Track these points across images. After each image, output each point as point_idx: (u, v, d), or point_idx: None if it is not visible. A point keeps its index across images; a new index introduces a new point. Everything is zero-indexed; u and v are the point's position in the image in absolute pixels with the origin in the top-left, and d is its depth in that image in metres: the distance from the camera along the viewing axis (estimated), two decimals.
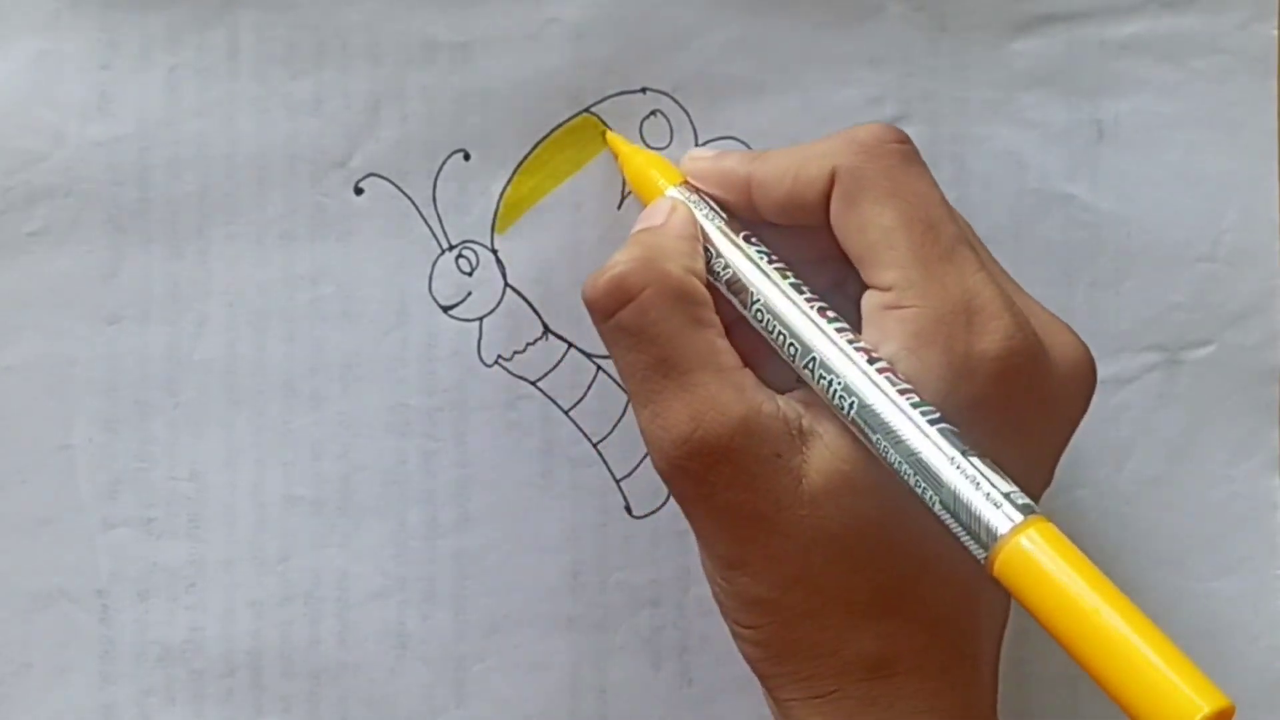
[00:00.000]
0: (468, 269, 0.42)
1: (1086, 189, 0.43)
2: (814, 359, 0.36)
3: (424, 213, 0.42)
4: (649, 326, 0.36)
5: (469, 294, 0.42)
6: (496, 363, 0.42)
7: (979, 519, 0.32)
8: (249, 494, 0.42)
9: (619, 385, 0.42)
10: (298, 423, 0.42)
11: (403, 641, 0.42)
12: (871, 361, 0.35)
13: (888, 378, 0.34)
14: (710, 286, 0.37)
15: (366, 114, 0.42)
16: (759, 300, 0.37)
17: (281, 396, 0.42)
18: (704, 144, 0.43)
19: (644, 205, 0.40)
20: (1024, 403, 0.36)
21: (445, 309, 0.42)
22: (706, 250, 0.38)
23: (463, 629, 0.42)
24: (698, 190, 0.40)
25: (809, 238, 0.38)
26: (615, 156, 0.42)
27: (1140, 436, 0.43)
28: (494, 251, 0.42)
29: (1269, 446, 0.43)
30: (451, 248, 0.42)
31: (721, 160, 0.40)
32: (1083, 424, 0.43)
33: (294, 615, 0.42)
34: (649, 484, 0.42)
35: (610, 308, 0.36)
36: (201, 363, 0.42)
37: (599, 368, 0.42)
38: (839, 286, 0.38)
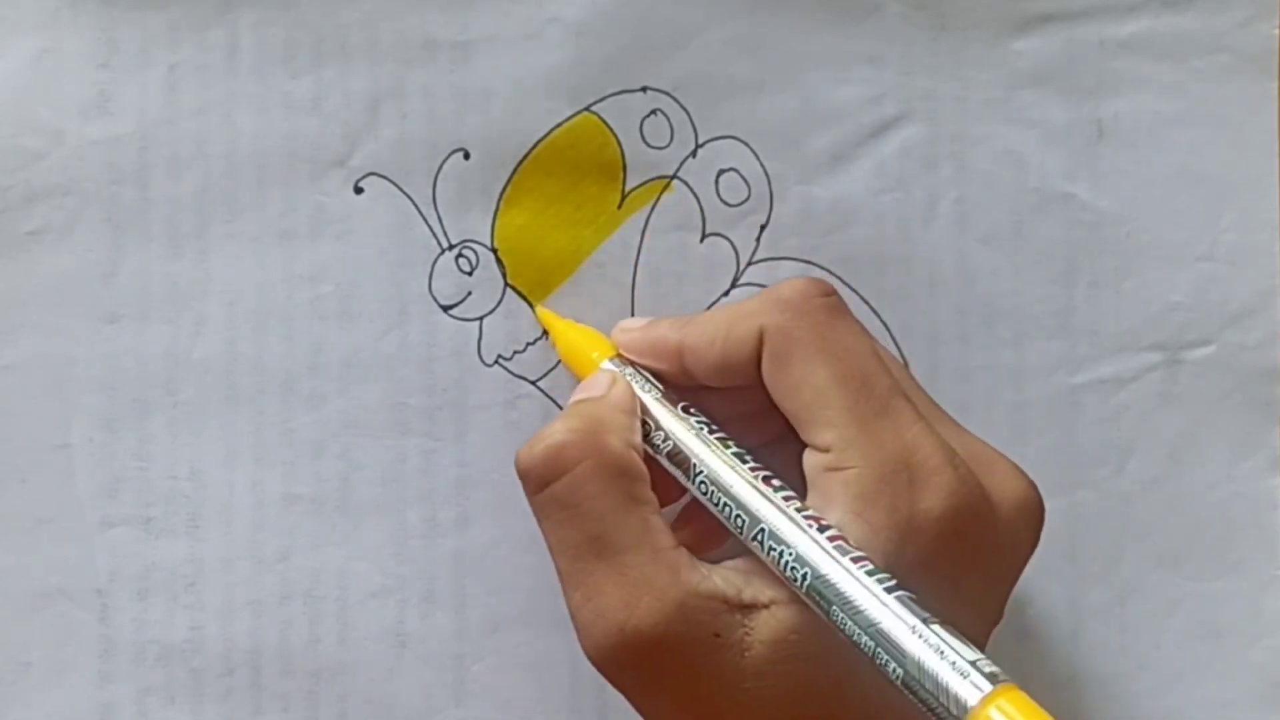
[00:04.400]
0: (468, 268, 0.42)
1: (1086, 188, 0.43)
2: (763, 530, 0.35)
3: (424, 212, 0.42)
4: (584, 501, 0.35)
5: (469, 293, 0.42)
6: (496, 362, 0.42)
7: (946, 690, 0.32)
8: (248, 493, 0.42)
9: None
10: (297, 422, 0.42)
11: (402, 641, 0.42)
12: (822, 530, 0.34)
13: (838, 546, 0.34)
14: (648, 460, 0.37)
15: (366, 113, 0.42)
16: (702, 472, 0.37)
17: (281, 396, 0.42)
18: (704, 144, 0.43)
19: (577, 379, 0.40)
20: (970, 557, 0.35)
21: (445, 308, 0.42)
22: (645, 423, 0.38)
23: (462, 628, 0.42)
24: (631, 362, 0.40)
25: (744, 395, 0.38)
26: (545, 331, 0.42)
27: (1140, 436, 0.43)
28: (494, 251, 0.42)
29: (1269, 446, 0.43)
30: (451, 247, 0.42)
31: (652, 330, 0.39)
32: (1084, 424, 0.43)
33: (293, 614, 0.42)
34: None
35: (545, 478, 0.36)
36: (201, 362, 0.42)
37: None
38: (778, 441, 0.38)
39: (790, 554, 0.34)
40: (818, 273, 0.43)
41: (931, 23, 0.43)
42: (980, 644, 0.36)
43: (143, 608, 0.42)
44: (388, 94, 0.42)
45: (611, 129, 0.42)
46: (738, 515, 0.36)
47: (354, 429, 0.42)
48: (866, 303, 0.43)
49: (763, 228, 0.43)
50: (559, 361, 0.42)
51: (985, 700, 0.31)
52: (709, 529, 0.38)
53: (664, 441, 0.38)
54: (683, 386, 0.39)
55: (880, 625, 0.33)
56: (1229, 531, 0.43)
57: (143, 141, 0.42)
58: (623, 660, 0.35)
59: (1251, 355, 0.43)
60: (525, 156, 0.42)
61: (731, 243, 0.43)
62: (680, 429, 0.37)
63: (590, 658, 0.36)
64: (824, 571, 0.34)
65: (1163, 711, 0.43)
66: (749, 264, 0.43)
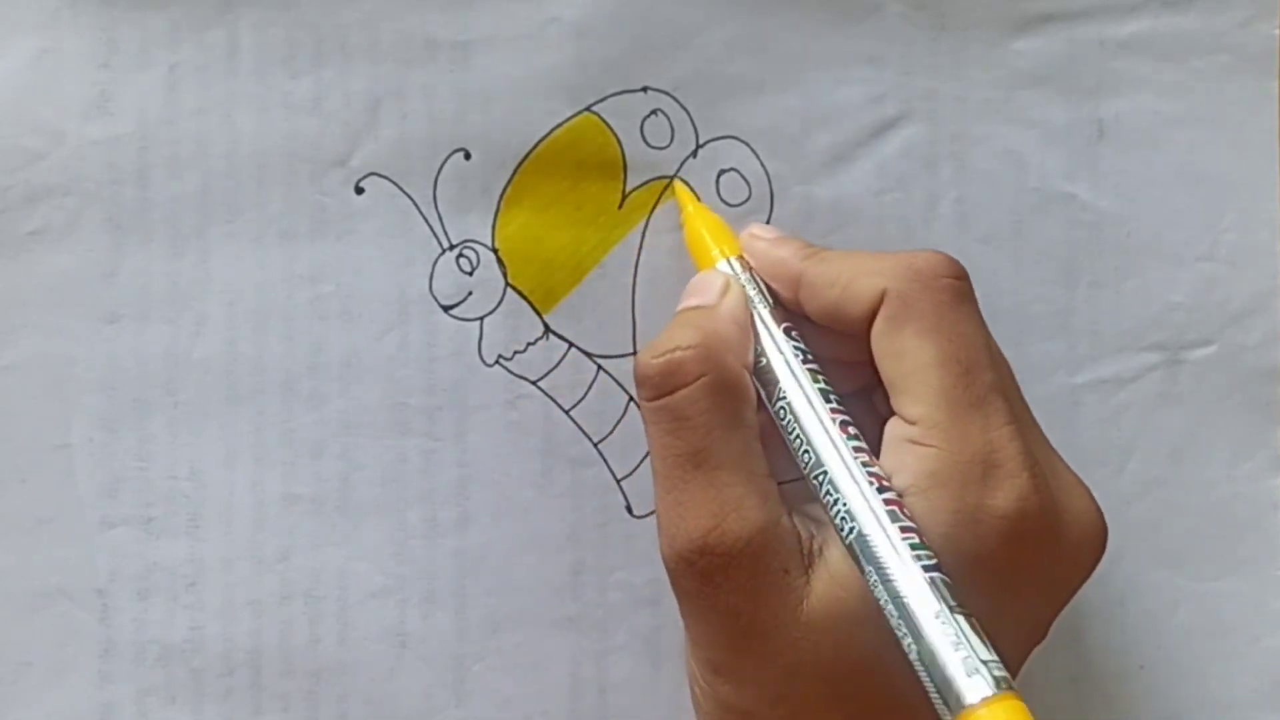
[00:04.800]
0: (468, 268, 0.42)
1: (1087, 188, 0.43)
2: (824, 474, 0.35)
3: (424, 212, 0.42)
4: (695, 415, 0.36)
5: (469, 293, 0.42)
6: (497, 362, 0.42)
7: (950, 682, 0.32)
8: (248, 493, 0.42)
9: (620, 385, 0.42)
10: (297, 422, 0.42)
11: (402, 641, 0.42)
12: (881, 490, 0.34)
13: (892, 511, 0.34)
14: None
15: (367, 113, 0.42)
16: (784, 399, 0.37)
17: (281, 396, 0.42)
18: (704, 144, 0.43)
19: (696, 267, 0.40)
20: (1028, 566, 0.35)
21: (446, 308, 0.42)
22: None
23: (463, 628, 0.42)
24: (751, 268, 0.39)
25: (843, 340, 0.38)
26: (679, 209, 0.42)
27: (1141, 437, 0.43)
28: (494, 251, 0.42)
29: (1270, 446, 0.43)
30: (452, 247, 0.42)
31: (777, 248, 0.39)
32: (1084, 424, 0.43)
33: (293, 614, 0.42)
34: (649, 484, 0.42)
35: (662, 389, 0.36)
36: (201, 362, 0.42)
37: (599, 367, 0.42)
38: (865, 393, 0.38)
39: (844, 505, 0.35)
40: None
41: (932, 23, 0.43)
42: (1017, 657, 0.36)
43: (143, 608, 0.42)
44: (388, 94, 0.42)
45: (612, 129, 0.42)
46: (805, 451, 0.36)
47: (354, 429, 0.42)
48: None
49: None
50: (560, 361, 0.42)
51: (985, 702, 0.31)
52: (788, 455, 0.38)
53: (759, 356, 0.38)
54: (788, 306, 0.39)
55: (906, 599, 0.33)
56: (1230, 532, 0.43)
57: (143, 141, 0.42)
58: (695, 568, 0.35)
59: (1252, 355, 0.43)
60: (526, 157, 0.42)
61: None
62: (775, 350, 0.37)
63: (665, 558, 0.36)
64: (867, 531, 0.34)
65: (1163, 712, 0.43)
66: None
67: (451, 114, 0.42)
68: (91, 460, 0.42)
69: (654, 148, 0.43)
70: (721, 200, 0.43)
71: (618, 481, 0.42)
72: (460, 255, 0.42)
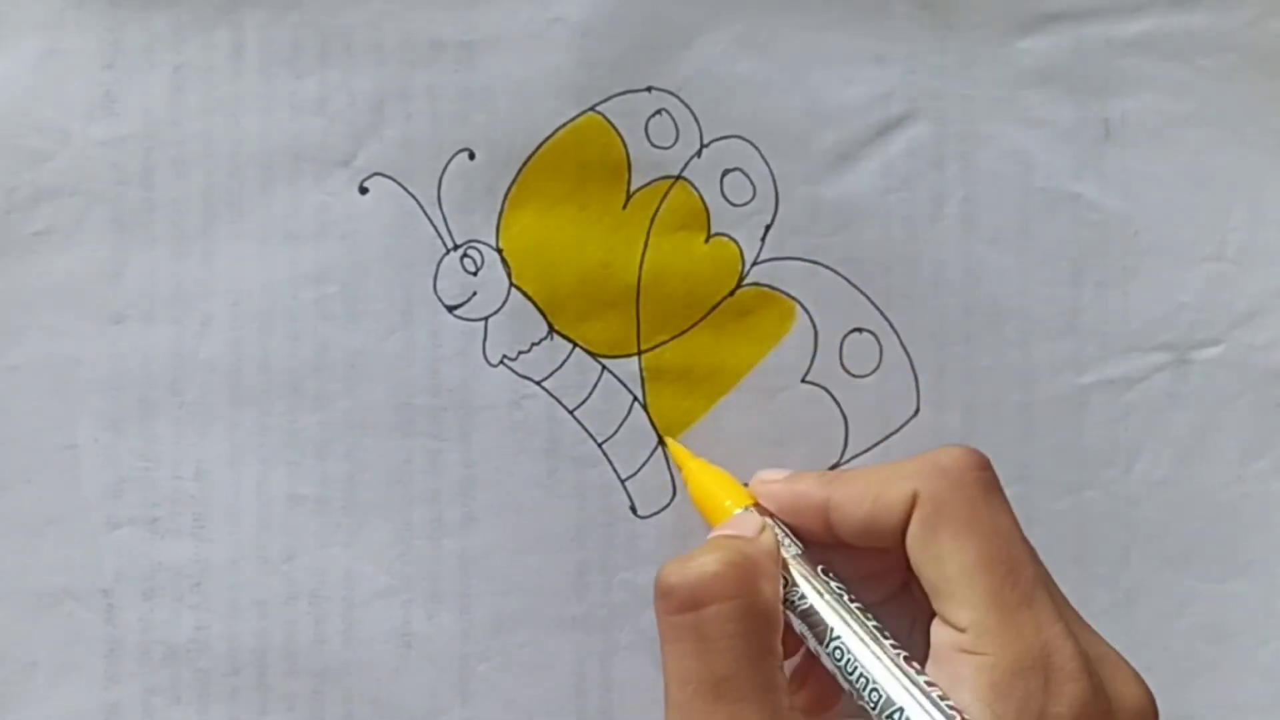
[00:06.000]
0: (472, 269, 0.42)
1: (1094, 188, 0.43)
2: (899, 711, 0.35)
3: (429, 212, 0.42)
4: (723, 640, 0.34)
5: (474, 294, 0.42)
6: (501, 362, 0.42)
7: None
8: (253, 493, 0.42)
9: (624, 385, 0.42)
10: (302, 422, 0.42)
11: (407, 641, 0.42)
12: None
13: None
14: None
15: (371, 113, 0.42)
16: (839, 639, 0.36)
17: (286, 396, 0.42)
18: (709, 144, 0.42)
19: (708, 524, 0.40)
20: None
21: (450, 309, 0.42)
22: (784, 579, 0.37)
23: (468, 628, 0.42)
24: (768, 513, 0.39)
25: (874, 555, 0.38)
26: (678, 467, 0.42)
27: (1149, 437, 0.43)
28: (499, 251, 0.42)
29: (1279, 447, 0.43)
30: (456, 247, 0.42)
31: (795, 483, 0.39)
32: (1091, 425, 0.43)
33: (299, 614, 0.42)
34: (654, 484, 0.42)
35: (689, 603, 0.35)
36: (206, 362, 0.42)
37: (604, 368, 0.42)
38: (893, 599, 0.38)
39: None
40: (824, 273, 0.43)
41: (938, 22, 0.43)
42: None
43: (148, 608, 0.42)
44: (393, 94, 0.42)
45: (616, 129, 0.42)
46: (873, 691, 0.35)
47: (359, 429, 0.42)
48: (873, 303, 0.43)
49: (768, 228, 0.43)
50: (564, 362, 0.42)
51: None
52: (826, 690, 0.38)
53: (800, 600, 0.37)
54: (812, 541, 0.39)
55: None
56: (1238, 532, 0.43)
57: (148, 142, 0.42)
58: None
59: (1260, 355, 0.43)
60: (530, 157, 0.42)
61: (737, 243, 0.43)
62: (821, 594, 0.37)
63: None
64: None
65: (1170, 713, 0.42)
66: (754, 264, 0.43)
67: (456, 114, 0.42)
68: (97, 460, 0.42)
69: (658, 147, 0.42)
70: (726, 200, 0.43)
71: (622, 482, 0.42)
72: (465, 255, 0.42)
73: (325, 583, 0.42)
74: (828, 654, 0.36)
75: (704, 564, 0.35)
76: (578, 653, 0.42)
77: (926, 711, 0.34)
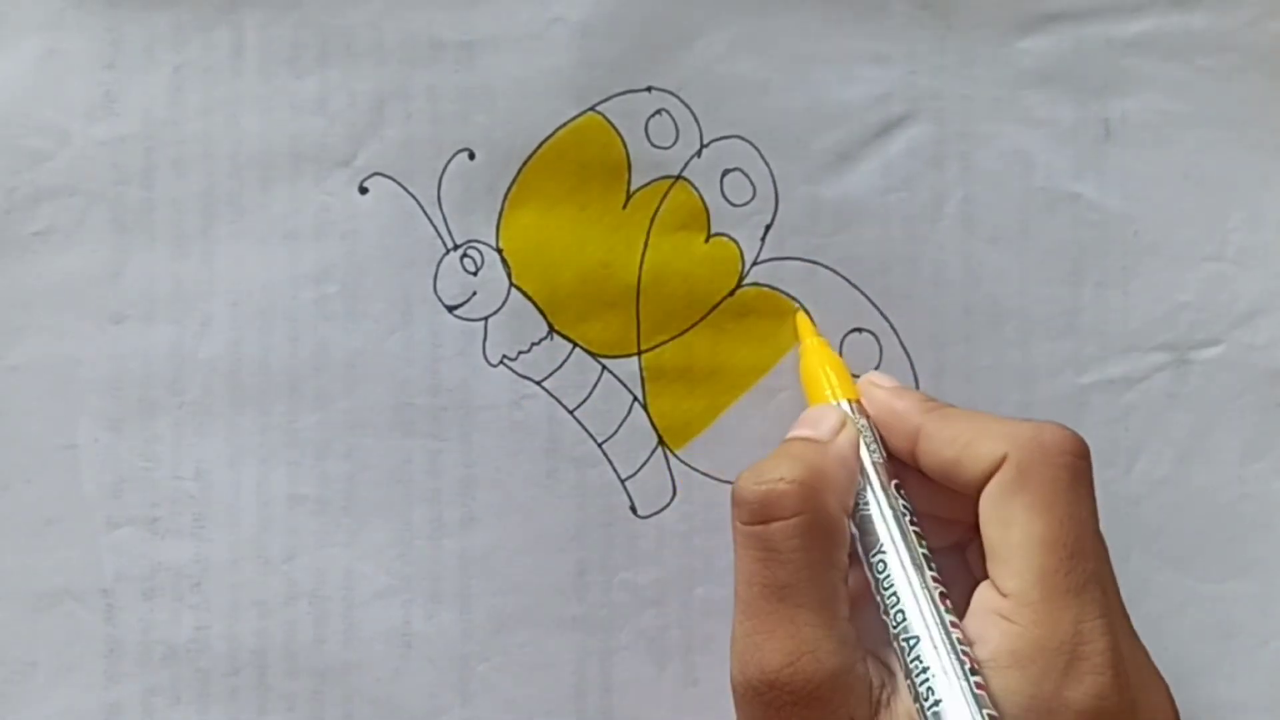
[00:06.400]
0: (472, 269, 0.42)
1: (1093, 188, 0.43)
2: (915, 641, 0.35)
3: (429, 212, 0.42)
4: (787, 551, 0.36)
5: (474, 294, 0.42)
6: (501, 362, 0.42)
7: None
8: (253, 493, 0.42)
9: (624, 385, 0.42)
10: (302, 422, 0.42)
11: (407, 641, 0.42)
12: (971, 673, 0.34)
13: (980, 697, 0.34)
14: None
15: (371, 113, 0.42)
16: (882, 557, 0.37)
17: (286, 396, 0.42)
18: (709, 144, 0.42)
19: (807, 400, 0.40)
20: None
21: (450, 309, 0.42)
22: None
23: (468, 628, 0.42)
24: (866, 415, 0.39)
25: (952, 498, 0.38)
26: (799, 340, 0.42)
27: (1149, 437, 0.43)
28: (499, 251, 0.42)
29: (1279, 447, 0.43)
30: (456, 247, 0.42)
31: (898, 398, 0.39)
32: (1091, 425, 0.43)
33: (299, 614, 0.42)
34: (653, 484, 0.42)
35: (759, 516, 0.36)
36: (206, 362, 0.42)
37: (604, 368, 0.42)
38: (958, 549, 0.39)
39: (929, 680, 0.35)
40: (824, 273, 0.43)
41: (938, 22, 0.43)
42: None
43: (148, 608, 0.42)
44: (393, 94, 0.42)
45: (616, 129, 0.42)
46: (899, 612, 0.36)
47: (359, 429, 0.42)
48: (872, 303, 0.43)
49: (768, 228, 0.43)
50: (564, 361, 0.42)
51: None
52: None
53: (864, 506, 0.37)
54: (896, 457, 0.39)
55: None
56: (1238, 532, 0.43)
57: (148, 142, 0.42)
58: (762, 699, 0.35)
59: (1261, 355, 0.43)
60: (530, 157, 0.42)
61: (737, 243, 0.43)
62: (880, 508, 0.37)
63: (734, 682, 0.36)
64: (950, 714, 0.34)
65: None
66: (754, 264, 0.43)
67: (456, 114, 0.42)
68: (97, 461, 0.42)
69: (658, 147, 0.42)
70: (726, 200, 0.43)
71: (622, 482, 0.42)
72: (464, 255, 0.42)
73: (325, 583, 0.42)
74: (869, 564, 0.37)
75: (776, 477, 0.36)
76: (578, 653, 0.42)
77: (937, 648, 0.35)
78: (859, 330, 0.43)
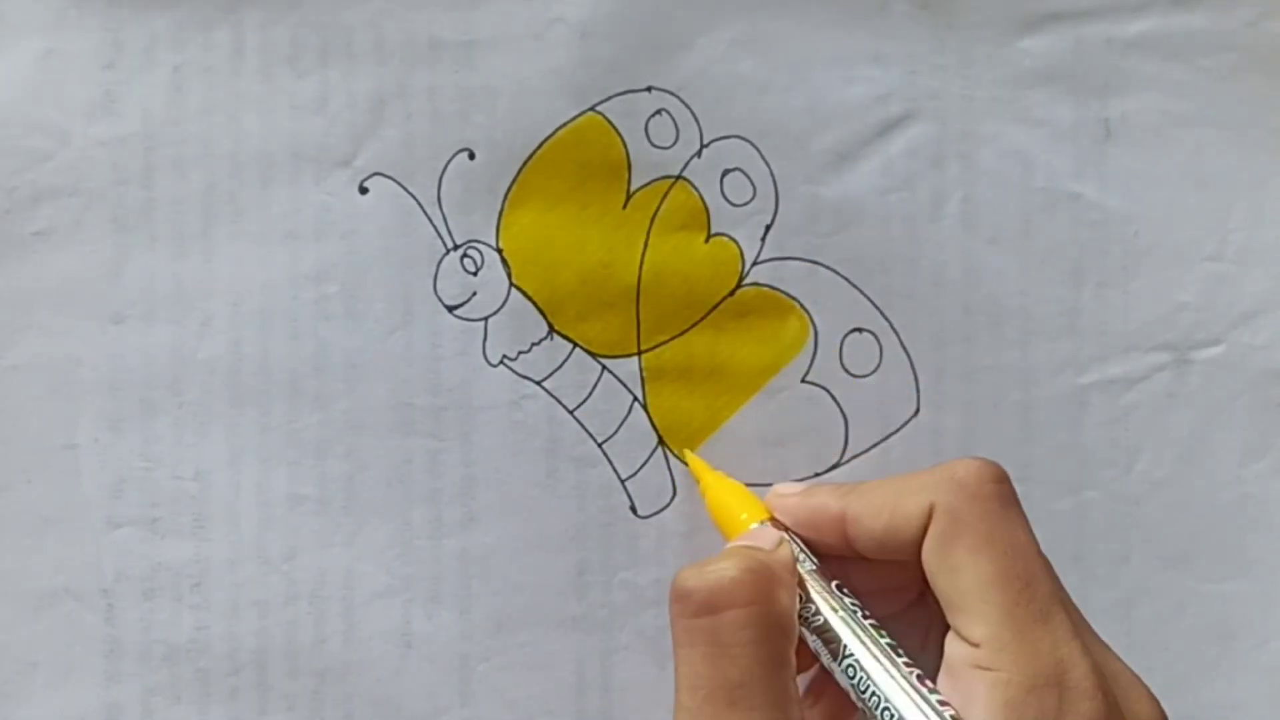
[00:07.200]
0: (472, 269, 0.42)
1: (1094, 188, 0.43)
2: None
3: (429, 212, 0.42)
4: (738, 646, 0.34)
5: (474, 294, 0.42)
6: (501, 363, 0.42)
7: None
8: (253, 493, 0.42)
9: (624, 385, 0.42)
10: (302, 422, 0.42)
11: (408, 641, 0.42)
12: None
13: None
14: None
15: (371, 113, 0.42)
16: (852, 656, 0.36)
17: (286, 396, 0.42)
18: (709, 144, 0.42)
19: (724, 537, 0.40)
20: None
21: (450, 309, 0.42)
22: (799, 594, 0.37)
23: (468, 628, 0.42)
24: (785, 528, 0.39)
25: (888, 568, 0.38)
26: (695, 480, 0.42)
27: (1149, 437, 0.43)
28: (499, 251, 0.42)
29: (1279, 447, 0.43)
30: (456, 247, 0.42)
31: (812, 497, 0.39)
32: (1091, 425, 0.43)
33: (299, 614, 0.42)
34: (654, 484, 0.42)
35: (707, 608, 0.34)
36: (206, 362, 0.42)
37: (604, 368, 0.42)
38: (906, 611, 0.38)
39: None
40: (824, 273, 0.43)
41: (938, 21, 0.43)
42: None
43: (149, 608, 0.42)
44: (393, 94, 0.42)
45: (617, 129, 0.42)
46: (885, 710, 0.35)
47: (359, 429, 0.42)
48: (872, 303, 0.43)
49: (768, 228, 0.43)
50: (564, 362, 0.42)
51: None
52: (839, 707, 0.38)
53: (814, 615, 0.37)
54: (828, 554, 0.38)
55: None
56: (1238, 532, 0.43)
57: (148, 142, 0.42)
58: None
59: (1261, 355, 0.43)
60: (530, 157, 0.42)
61: (737, 242, 0.43)
62: (835, 610, 0.37)
63: None
64: None
65: (1171, 713, 0.42)
66: (754, 264, 0.43)
67: (456, 114, 0.42)
68: (97, 460, 0.42)
69: (658, 147, 0.42)
70: (726, 200, 0.43)
71: (622, 482, 0.42)
72: (465, 255, 0.42)
73: (325, 583, 0.42)
74: (841, 671, 0.36)
75: (723, 569, 0.35)
76: (578, 653, 0.42)
77: None
78: (859, 330, 0.43)
